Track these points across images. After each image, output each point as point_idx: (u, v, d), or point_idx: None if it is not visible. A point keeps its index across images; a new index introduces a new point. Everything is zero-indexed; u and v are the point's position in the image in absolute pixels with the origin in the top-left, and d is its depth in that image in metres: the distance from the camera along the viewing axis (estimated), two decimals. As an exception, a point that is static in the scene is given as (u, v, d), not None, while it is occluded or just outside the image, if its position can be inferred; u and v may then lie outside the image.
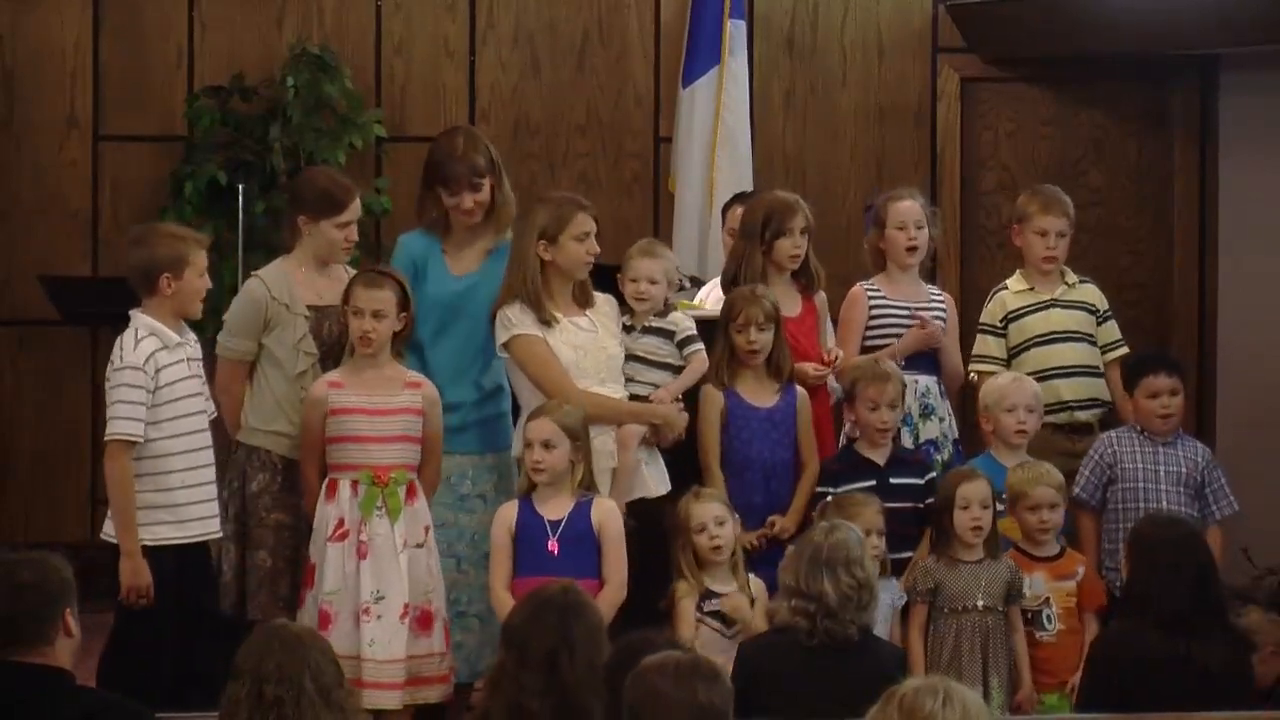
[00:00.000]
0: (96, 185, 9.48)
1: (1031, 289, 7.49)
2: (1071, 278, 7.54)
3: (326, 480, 6.49)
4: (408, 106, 9.57)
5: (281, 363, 6.71)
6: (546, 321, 6.67)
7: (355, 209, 6.84)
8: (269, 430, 6.69)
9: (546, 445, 6.37)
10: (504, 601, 6.31)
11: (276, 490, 6.68)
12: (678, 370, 6.91)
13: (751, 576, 6.48)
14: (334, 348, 6.76)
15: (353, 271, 6.90)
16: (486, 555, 6.63)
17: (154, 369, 6.30)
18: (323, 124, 9.21)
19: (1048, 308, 7.46)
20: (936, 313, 7.43)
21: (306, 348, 6.72)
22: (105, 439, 6.32)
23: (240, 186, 8.90)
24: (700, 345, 6.92)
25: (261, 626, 4.68)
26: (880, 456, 6.89)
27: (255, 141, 9.17)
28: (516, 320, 6.67)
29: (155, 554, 6.30)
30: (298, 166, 8.81)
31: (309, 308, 6.75)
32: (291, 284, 6.76)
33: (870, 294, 7.38)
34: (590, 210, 6.80)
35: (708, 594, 6.41)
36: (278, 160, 9.02)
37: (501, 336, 6.70)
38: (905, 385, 7.00)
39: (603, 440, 6.66)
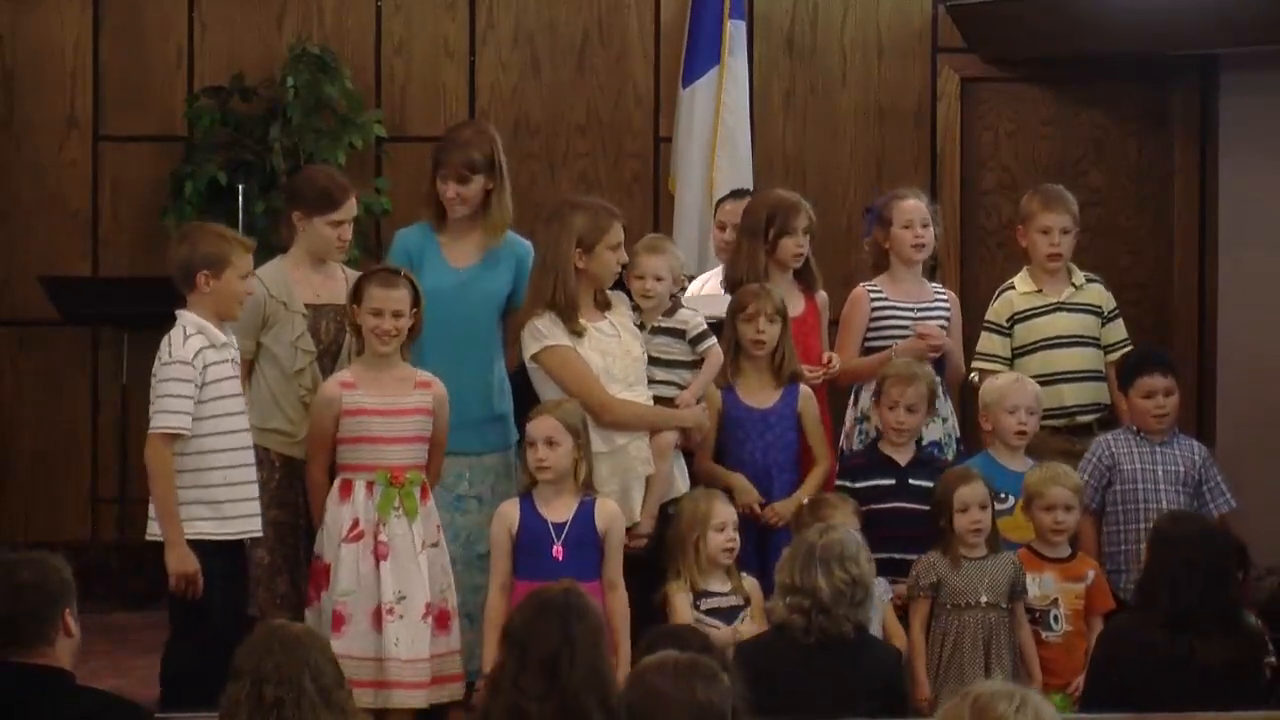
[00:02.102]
0: (96, 185, 9.47)
1: (1039, 291, 7.47)
2: (1079, 278, 7.53)
3: (339, 481, 6.47)
4: (408, 106, 9.56)
5: (279, 360, 6.71)
6: (577, 332, 6.66)
7: (350, 208, 6.83)
8: (267, 428, 6.69)
9: (550, 443, 6.37)
10: (495, 605, 6.32)
11: (275, 488, 6.69)
12: (690, 366, 6.92)
13: (745, 576, 6.50)
14: (331, 346, 6.76)
15: (351, 271, 6.90)
16: (480, 556, 6.65)
17: (201, 365, 6.29)
18: (323, 124, 9.21)
19: (1055, 311, 7.45)
20: (940, 311, 7.44)
21: (304, 345, 6.72)
22: (150, 431, 6.26)
23: (240, 186, 8.91)
24: (714, 340, 6.94)
25: (261, 627, 4.67)
26: (903, 456, 6.91)
27: (255, 141, 9.17)
28: (547, 332, 6.65)
29: (198, 548, 6.27)
30: (297, 166, 8.81)
31: (307, 305, 6.76)
32: (289, 282, 6.77)
33: (872, 295, 7.38)
34: (622, 220, 6.81)
35: (703, 593, 6.43)
36: (278, 160, 9.02)
37: (532, 348, 6.68)
38: (936, 395, 6.98)
39: (638, 446, 6.68)
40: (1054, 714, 3.71)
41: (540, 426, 6.39)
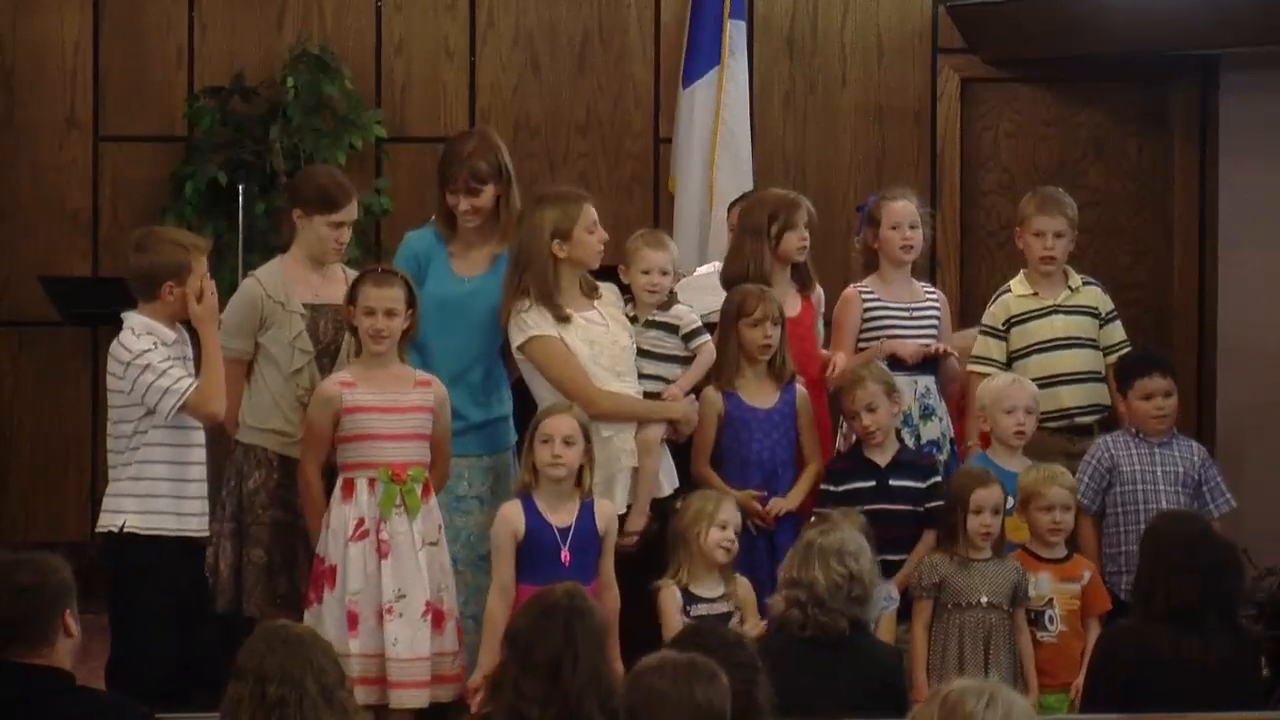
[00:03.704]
0: (96, 185, 9.48)
1: (1035, 294, 7.46)
2: (1075, 280, 7.52)
3: (341, 480, 6.46)
4: (408, 107, 9.57)
5: (277, 361, 6.71)
6: (563, 319, 6.65)
7: (350, 211, 6.82)
8: (265, 428, 6.69)
9: (567, 442, 6.35)
10: (496, 608, 6.30)
11: (273, 487, 6.69)
12: (682, 362, 6.92)
13: (739, 578, 6.50)
14: (330, 346, 6.76)
15: (352, 271, 6.90)
16: (483, 557, 6.63)
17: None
18: (323, 124, 9.21)
19: (1051, 313, 7.44)
20: (931, 310, 7.44)
21: (302, 345, 6.72)
22: (176, 408, 6.22)
23: (240, 187, 8.90)
24: (707, 337, 6.95)
25: (263, 626, 4.68)
26: (883, 458, 6.90)
27: (255, 142, 9.17)
28: (533, 322, 6.64)
29: (151, 545, 6.28)
30: (298, 167, 8.82)
31: (305, 305, 6.75)
32: (287, 282, 6.77)
33: (865, 296, 7.38)
34: (590, 200, 6.82)
35: (693, 599, 6.42)
36: (278, 161, 9.02)
37: (517, 339, 6.67)
38: (892, 386, 6.98)
39: (623, 439, 6.67)
40: (1025, 708, 3.71)
41: (560, 424, 6.36)
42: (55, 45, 9.47)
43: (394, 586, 6.35)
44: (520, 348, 6.68)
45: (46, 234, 9.45)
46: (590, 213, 6.74)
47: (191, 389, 6.24)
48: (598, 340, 6.71)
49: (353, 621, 6.33)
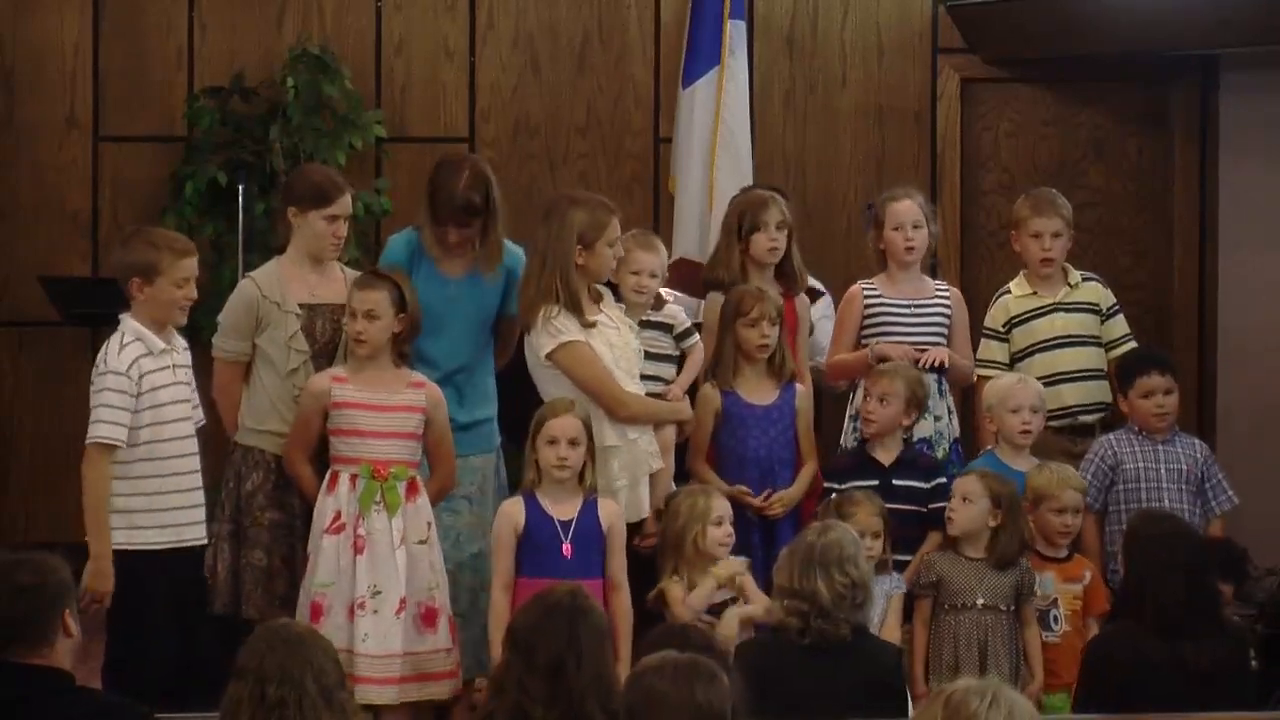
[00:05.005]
0: (96, 185, 9.47)
1: (1034, 293, 7.48)
2: (1075, 277, 7.53)
3: (329, 473, 6.50)
4: (408, 107, 9.56)
5: (274, 361, 6.71)
6: (589, 325, 6.63)
7: (344, 205, 6.81)
8: (263, 430, 6.69)
9: (573, 443, 6.35)
10: (499, 603, 6.30)
11: (271, 489, 6.69)
12: (674, 361, 6.94)
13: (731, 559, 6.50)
14: (327, 346, 6.76)
15: (351, 271, 6.91)
16: (472, 555, 6.68)
17: (138, 374, 6.31)
18: (323, 124, 9.20)
19: (1051, 312, 7.45)
20: (938, 308, 7.43)
21: (298, 345, 6.71)
22: (86, 441, 6.30)
23: (240, 187, 8.90)
24: (698, 337, 6.96)
25: (264, 626, 4.67)
26: (886, 456, 6.91)
27: (255, 142, 9.17)
28: (562, 328, 6.61)
29: (142, 558, 6.30)
30: (297, 166, 8.80)
31: (301, 305, 6.75)
32: (283, 282, 6.76)
33: (867, 293, 7.39)
34: (619, 214, 6.80)
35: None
36: (278, 161, 9.02)
37: (548, 345, 6.62)
38: (916, 400, 6.96)
39: (647, 440, 6.68)
40: (1027, 708, 3.71)
41: (565, 426, 6.36)
42: (55, 45, 9.46)
43: (369, 582, 6.37)
44: (550, 355, 6.64)
45: (46, 234, 9.44)
46: (616, 228, 6.73)
47: (104, 440, 6.25)
48: (615, 344, 6.72)
49: (315, 613, 6.34)
